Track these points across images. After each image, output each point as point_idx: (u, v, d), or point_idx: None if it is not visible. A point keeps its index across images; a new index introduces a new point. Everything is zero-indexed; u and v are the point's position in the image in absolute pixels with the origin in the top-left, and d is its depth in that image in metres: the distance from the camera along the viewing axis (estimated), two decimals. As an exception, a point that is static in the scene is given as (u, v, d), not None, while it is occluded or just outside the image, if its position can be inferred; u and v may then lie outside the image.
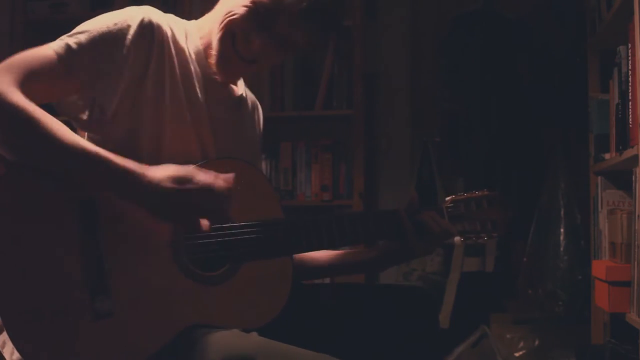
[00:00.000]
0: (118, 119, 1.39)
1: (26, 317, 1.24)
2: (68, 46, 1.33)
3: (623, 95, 2.22)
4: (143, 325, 1.31)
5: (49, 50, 1.33)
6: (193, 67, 1.47)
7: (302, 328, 1.50)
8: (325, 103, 3.32)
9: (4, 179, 1.27)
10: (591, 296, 2.71)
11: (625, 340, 2.33)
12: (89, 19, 1.40)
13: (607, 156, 2.50)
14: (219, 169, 1.44)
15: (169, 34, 1.42)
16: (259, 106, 1.72)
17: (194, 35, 1.50)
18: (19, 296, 1.24)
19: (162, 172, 1.30)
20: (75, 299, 1.27)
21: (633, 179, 2.02)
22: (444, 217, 1.60)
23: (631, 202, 2.14)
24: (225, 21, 1.44)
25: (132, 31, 1.37)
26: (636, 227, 1.96)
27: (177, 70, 1.43)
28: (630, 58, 2.11)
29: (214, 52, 1.46)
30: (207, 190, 1.31)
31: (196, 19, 1.55)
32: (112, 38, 1.35)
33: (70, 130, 1.28)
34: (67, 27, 1.38)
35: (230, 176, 1.34)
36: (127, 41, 1.36)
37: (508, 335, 2.96)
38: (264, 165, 3.32)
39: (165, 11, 1.48)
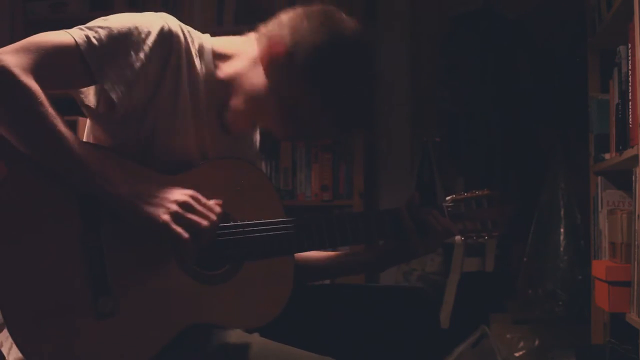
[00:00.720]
0: (128, 122, 1.39)
1: (29, 317, 1.24)
2: (88, 38, 1.32)
3: (623, 95, 2.21)
4: (145, 324, 1.31)
5: (69, 38, 1.31)
6: (203, 82, 1.46)
7: (302, 328, 1.50)
8: (325, 103, 3.31)
9: (6, 179, 1.27)
10: (591, 296, 2.71)
11: (625, 340, 2.33)
12: (89, 19, 1.38)
13: (607, 156, 2.49)
14: (221, 168, 1.44)
15: (184, 44, 1.42)
16: None
17: (208, 51, 1.48)
18: (21, 296, 1.24)
19: (149, 186, 1.31)
20: (77, 299, 1.27)
21: (633, 179, 2.02)
22: (444, 216, 1.60)
23: (631, 202, 2.14)
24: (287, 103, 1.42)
25: (152, 38, 1.36)
26: (636, 227, 1.96)
27: (187, 80, 1.42)
28: (630, 58, 2.11)
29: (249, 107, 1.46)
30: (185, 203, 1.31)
31: (196, 19, 1.55)
32: (132, 41, 1.34)
33: (69, 130, 1.28)
34: (66, 27, 1.37)
35: (216, 206, 1.35)
36: (146, 47, 1.35)
37: (508, 335, 2.96)
38: (264, 166, 3.32)
39: (165, 12, 1.48)
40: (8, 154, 1.28)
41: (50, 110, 1.26)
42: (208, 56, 1.47)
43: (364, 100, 1.47)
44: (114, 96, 1.33)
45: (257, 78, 1.44)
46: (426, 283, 3.27)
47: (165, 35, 1.38)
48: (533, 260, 3.13)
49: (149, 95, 1.38)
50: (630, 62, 2.12)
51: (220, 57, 1.49)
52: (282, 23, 1.43)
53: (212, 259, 1.40)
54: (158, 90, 1.39)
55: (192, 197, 1.33)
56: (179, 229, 1.29)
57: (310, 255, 1.63)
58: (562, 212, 3.09)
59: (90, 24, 1.35)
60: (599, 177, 2.57)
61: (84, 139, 1.47)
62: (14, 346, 1.27)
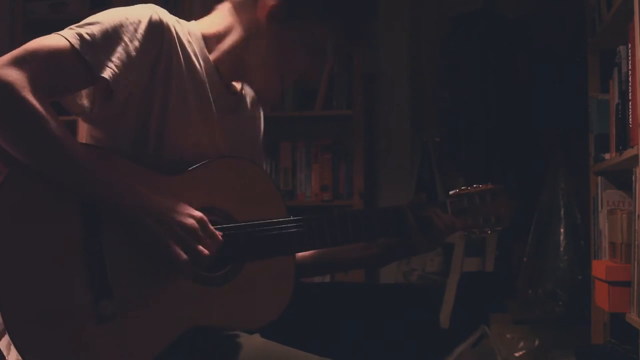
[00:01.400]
0: (125, 114, 1.39)
1: (29, 320, 1.24)
2: (80, 36, 1.32)
3: (623, 95, 2.21)
4: (146, 327, 1.31)
5: (63, 40, 1.31)
6: (200, 68, 1.47)
7: (303, 328, 1.50)
8: (325, 103, 3.32)
9: (6, 181, 1.26)
10: (591, 296, 2.71)
11: (625, 340, 2.33)
12: (89, 18, 1.39)
13: (607, 156, 2.49)
14: (223, 168, 1.44)
15: (175, 34, 1.42)
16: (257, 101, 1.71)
17: (198, 37, 1.49)
18: (21, 299, 1.24)
19: (153, 198, 1.31)
20: (78, 302, 1.27)
21: (633, 179, 2.02)
22: (447, 212, 1.59)
23: (631, 202, 2.14)
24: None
25: (143, 27, 1.37)
26: (636, 227, 1.96)
27: (184, 70, 1.43)
28: (630, 58, 2.11)
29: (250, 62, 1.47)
30: (191, 229, 1.31)
31: (196, 19, 1.55)
32: (124, 31, 1.35)
33: (74, 139, 1.28)
34: (66, 27, 1.37)
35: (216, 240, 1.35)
36: (139, 36, 1.36)
37: (508, 335, 2.96)
38: (264, 166, 3.32)
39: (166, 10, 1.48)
40: (8, 155, 1.28)
41: (53, 123, 1.25)
42: (200, 42, 1.48)
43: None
44: (115, 88, 1.33)
45: (258, 41, 1.46)
46: (426, 283, 3.27)
47: (156, 24, 1.38)
48: (533, 260, 3.13)
49: (145, 84, 1.38)
50: (630, 62, 2.11)
51: (211, 39, 1.50)
52: None
53: (214, 260, 1.39)
54: (153, 78, 1.39)
55: (200, 221, 1.32)
56: (179, 252, 1.29)
57: (310, 251, 1.62)
58: (562, 212, 3.09)
59: (81, 22, 1.36)
60: (599, 177, 2.57)
61: (83, 141, 1.47)
62: (14, 348, 1.26)
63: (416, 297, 1.59)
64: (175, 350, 1.32)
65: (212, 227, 1.34)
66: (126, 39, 1.35)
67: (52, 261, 1.26)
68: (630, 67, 2.12)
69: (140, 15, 1.38)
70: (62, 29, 1.36)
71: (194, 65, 1.45)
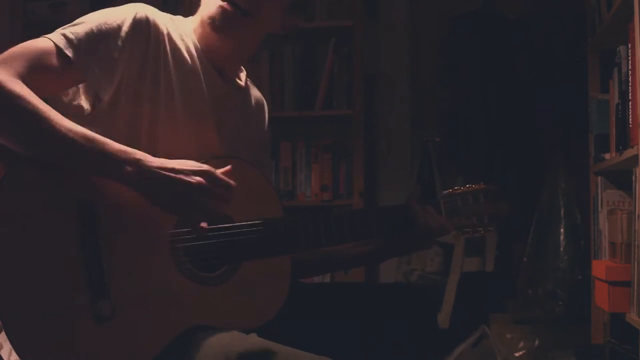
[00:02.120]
0: (116, 112, 1.39)
1: (26, 320, 1.23)
2: (65, 37, 1.34)
3: (623, 95, 2.21)
4: (143, 327, 1.31)
5: (47, 41, 1.34)
6: (196, 63, 1.47)
7: (301, 328, 1.50)
8: (325, 103, 3.32)
9: (3, 181, 1.26)
10: (591, 296, 2.71)
11: (625, 340, 2.33)
12: (88, 18, 1.40)
13: (607, 156, 2.49)
14: (219, 168, 1.44)
15: (165, 31, 1.43)
16: (265, 105, 1.71)
17: (188, 30, 1.50)
18: (19, 299, 1.24)
19: (158, 161, 1.31)
20: (75, 302, 1.27)
21: (633, 179, 2.02)
22: (440, 211, 1.59)
23: (631, 202, 2.14)
24: None
25: (127, 24, 1.38)
26: (636, 227, 1.96)
27: (173, 67, 1.43)
28: (630, 58, 2.11)
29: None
30: (199, 186, 1.31)
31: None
32: (108, 30, 1.37)
33: (65, 118, 1.29)
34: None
35: (227, 175, 1.35)
36: (123, 33, 1.37)
37: (508, 335, 2.96)
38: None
39: (166, 11, 1.48)
40: (6, 155, 1.28)
41: (42, 106, 1.26)
42: (191, 36, 1.49)
43: None
44: (98, 87, 1.34)
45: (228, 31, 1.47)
46: (426, 283, 3.27)
47: (141, 22, 1.40)
48: (533, 260, 3.13)
49: (133, 82, 1.39)
50: (630, 62, 2.11)
51: (197, 31, 1.50)
52: None
53: (210, 260, 1.40)
54: (141, 76, 1.40)
55: (207, 174, 1.33)
56: (192, 215, 1.31)
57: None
58: (562, 212, 3.09)
59: (68, 24, 1.38)
60: (599, 177, 2.57)
61: None
62: (12, 350, 1.26)
63: (416, 297, 1.59)
64: (172, 349, 1.32)
65: (221, 176, 1.34)
66: (110, 38, 1.36)
67: (49, 261, 1.26)
68: (630, 67, 2.12)
69: (125, 14, 1.39)
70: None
71: (186, 61, 1.45)
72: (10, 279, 1.24)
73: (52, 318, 1.25)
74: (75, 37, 1.34)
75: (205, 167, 1.33)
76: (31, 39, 1.35)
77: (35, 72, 1.30)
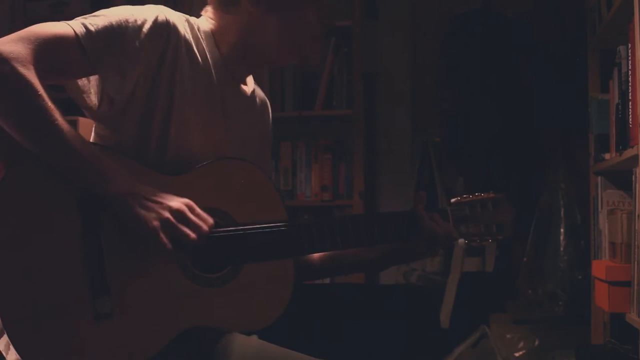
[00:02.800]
0: (128, 113, 1.39)
1: (26, 317, 1.24)
2: (85, 27, 1.33)
3: (623, 95, 2.21)
4: (144, 326, 1.31)
5: (67, 27, 1.32)
6: (211, 69, 1.47)
7: (302, 329, 1.50)
8: (325, 103, 3.32)
9: (5, 179, 1.27)
10: (591, 296, 2.71)
11: (625, 340, 2.33)
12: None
13: (607, 156, 2.49)
14: (223, 170, 1.44)
15: (182, 34, 1.42)
16: (268, 104, 1.72)
17: (208, 34, 1.49)
18: (19, 296, 1.24)
19: (141, 186, 1.31)
20: (75, 299, 1.27)
21: (633, 179, 2.02)
22: (448, 219, 1.58)
23: (631, 202, 2.14)
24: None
25: (147, 26, 1.37)
26: (636, 227, 1.96)
27: (188, 71, 1.43)
28: (630, 58, 2.11)
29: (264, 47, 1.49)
30: (177, 211, 1.32)
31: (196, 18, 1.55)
32: (128, 28, 1.36)
33: (67, 124, 1.28)
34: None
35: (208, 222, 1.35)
36: (142, 34, 1.36)
37: (508, 335, 2.96)
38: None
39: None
40: (7, 154, 1.28)
41: (49, 103, 1.26)
42: (210, 39, 1.49)
43: None
44: (108, 84, 1.34)
45: (258, 29, 1.48)
46: (426, 283, 3.27)
47: (161, 25, 1.39)
48: (533, 260, 3.13)
49: (148, 86, 1.38)
50: (630, 62, 2.11)
51: (218, 35, 1.50)
52: None
53: (213, 261, 1.40)
54: (156, 82, 1.39)
55: (187, 205, 1.33)
56: (165, 239, 1.29)
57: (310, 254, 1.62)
58: (562, 212, 3.09)
59: (90, 14, 1.37)
60: (599, 177, 2.57)
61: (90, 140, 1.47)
62: (13, 348, 1.26)
63: (416, 297, 1.59)
64: (172, 350, 1.32)
65: (200, 211, 1.34)
66: (128, 37, 1.35)
67: (50, 258, 1.27)
68: (630, 67, 2.12)
69: (146, 15, 1.38)
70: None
71: (201, 65, 1.45)
72: (11, 276, 1.24)
73: (52, 314, 1.25)
74: (95, 29, 1.33)
75: (186, 200, 1.34)
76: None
77: (50, 57, 1.29)
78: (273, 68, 1.62)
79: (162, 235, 1.29)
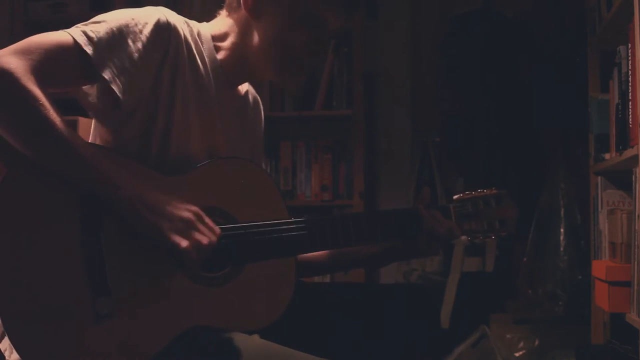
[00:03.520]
0: (132, 116, 1.39)
1: (26, 317, 1.24)
2: (86, 34, 1.32)
3: (623, 95, 2.22)
4: (144, 326, 1.31)
5: (67, 36, 1.31)
6: (208, 71, 1.47)
7: (302, 329, 1.50)
8: (325, 103, 3.32)
9: (5, 181, 1.26)
10: (591, 296, 2.71)
11: (625, 340, 2.34)
12: (89, 19, 1.39)
13: (607, 156, 2.49)
14: (224, 169, 1.44)
15: (183, 36, 1.42)
16: (259, 100, 1.72)
17: (207, 38, 1.50)
18: (19, 297, 1.24)
19: (155, 195, 1.31)
20: (76, 300, 1.27)
21: (633, 179, 2.02)
22: (450, 217, 1.58)
23: (631, 202, 2.14)
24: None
25: (149, 28, 1.37)
26: (636, 227, 1.96)
27: (188, 73, 1.43)
28: (630, 58, 2.11)
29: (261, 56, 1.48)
30: (187, 219, 1.31)
31: (196, 18, 1.55)
32: (129, 32, 1.35)
33: (71, 131, 1.28)
34: (66, 27, 1.37)
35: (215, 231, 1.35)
36: (144, 37, 1.36)
37: (508, 335, 2.96)
38: (263, 166, 3.32)
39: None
40: (7, 155, 1.28)
41: (52, 112, 1.25)
42: (209, 43, 1.49)
43: None
44: (115, 88, 1.33)
45: (252, 36, 1.48)
46: (426, 283, 3.27)
47: (163, 27, 1.38)
48: (533, 260, 3.13)
49: (150, 88, 1.38)
50: (630, 62, 2.12)
51: (217, 39, 1.51)
52: None
53: (214, 261, 1.39)
54: (158, 83, 1.39)
55: (196, 214, 1.32)
56: (179, 240, 1.29)
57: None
58: (562, 212, 3.09)
59: (89, 21, 1.36)
60: (599, 177, 2.57)
61: (89, 141, 1.47)
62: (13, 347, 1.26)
63: (416, 297, 1.59)
64: (173, 349, 1.32)
65: (208, 219, 1.34)
66: (130, 41, 1.35)
67: (50, 259, 1.26)
68: (630, 67, 2.12)
69: (147, 17, 1.38)
70: (62, 29, 1.36)
71: (200, 68, 1.45)
72: (11, 277, 1.24)
73: (52, 315, 1.25)
74: (96, 36, 1.32)
75: (195, 208, 1.33)
76: (31, 39, 1.33)
77: (52, 67, 1.29)
78: (262, 77, 1.62)
79: (177, 239, 1.29)
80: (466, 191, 1.64)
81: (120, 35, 1.34)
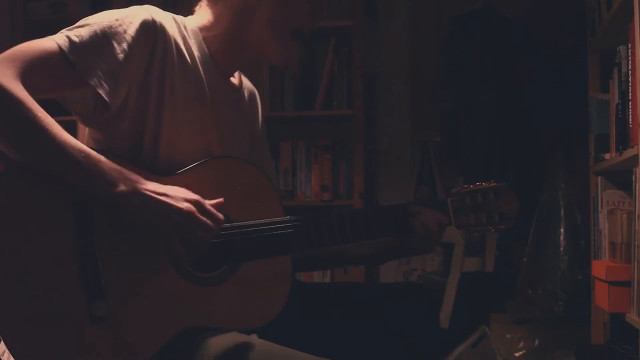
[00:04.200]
0: (122, 117, 1.39)
1: (21, 321, 1.23)
2: (69, 39, 1.32)
3: (623, 95, 2.21)
4: (140, 327, 1.31)
5: (51, 42, 1.31)
6: (199, 67, 1.46)
7: (301, 328, 1.50)
8: (325, 103, 3.32)
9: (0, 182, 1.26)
10: (591, 296, 2.71)
11: (625, 340, 2.33)
12: (89, 18, 1.39)
13: (607, 156, 2.49)
14: (218, 168, 1.43)
15: (170, 33, 1.42)
16: (257, 93, 1.70)
17: (195, 30, 1.49)
18: (14, 300, 1.24)
19: (152, 185, 1.31)
20: (71, 303, 1.26)
21: (633, 179, 2.02)
22: (448, 211, 1.57)
23: (631, 202, 2.14)
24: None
25: (134, 28, 1.36)
26: (636, 227, 1.96)
27: (177, 70, 1.42)
28: (630, 58, 2.11)
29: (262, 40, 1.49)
30: (187, 212, 1.31)
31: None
32: (114, 34, 1.34)
33: (63, 130, 1.28)
34: (66, 27, 1.37)
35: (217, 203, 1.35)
36: (129, 38, 1.35)
37: (508, 335, 2.96)
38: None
39: (165, 10, 1.48)
40: (4, 156, 1.28)
41: (41, 114, 1.25)
42: (197, 35, 1.48)
43: None
44: (102, 92, 1.33)
45: (250, 16, 1.47)
46: (426, 283, 3.27)
47: (148, 25, 1.38)
48: (533, 260, 3.13)
49: (138, 87, 1.38)
50: (630, 62, 2.11)
51: (206, 30, 1.50)
52: None
53: (209, 260, 1.39)
54: (147, 82, 1.38)
55: (196, 204, 1.32)
56: (177, 245, 1.30)
57: None
58: (562, 212, 3.09)
59: (74, 25, 1.36)
60: (599, 177, 2.57)
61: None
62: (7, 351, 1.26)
63: (416, 297, 1.58)
64: (170, 350, 1.31)
65: (210, 207, 1.33)
66: (115, 42, 1.34)
67: (45, 261, 1.26)
68: (630, 67, 2.12)
69: (131, 17, 1.37)
70: (62, 29, 1.36)
71: (190, 64, 1.44)
72: (5, 279, 1.23)
73: (47, 318, 1.25)
74: (80, 40, 1.32)
75: (195, 196, 1.33)
76: (31, 39, 1.33)
77: (37, 74, 1.29)
78: (259, 60, 1.60)
79: (176, 243, 1.29)
80: (467, 184, 1.62)
81: (104, 37, 1.34)
